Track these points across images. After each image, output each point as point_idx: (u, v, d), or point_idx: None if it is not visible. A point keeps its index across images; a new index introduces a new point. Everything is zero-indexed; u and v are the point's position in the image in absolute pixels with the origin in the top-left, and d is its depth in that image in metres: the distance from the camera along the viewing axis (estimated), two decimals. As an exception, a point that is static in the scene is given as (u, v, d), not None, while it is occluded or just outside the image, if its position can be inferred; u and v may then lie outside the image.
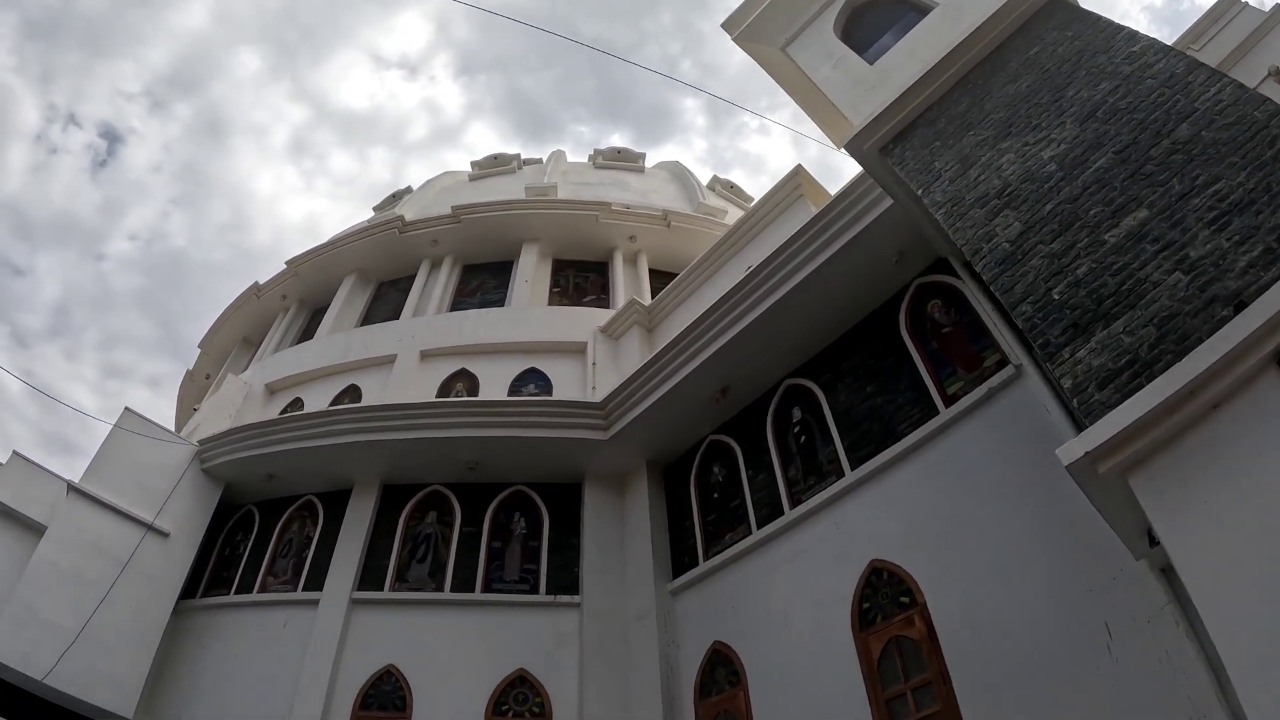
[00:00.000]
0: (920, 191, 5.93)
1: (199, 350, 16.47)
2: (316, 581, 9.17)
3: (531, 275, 12.86)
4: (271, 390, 12.53)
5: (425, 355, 11.52)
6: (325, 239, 15.88)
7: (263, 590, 9.50)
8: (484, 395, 10.69)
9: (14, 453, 10.83)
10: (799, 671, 6.56)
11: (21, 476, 10.61)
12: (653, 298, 12.32)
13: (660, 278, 13.49)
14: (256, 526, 10.31)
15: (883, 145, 6.52)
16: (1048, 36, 6.07)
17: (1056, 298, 4.70)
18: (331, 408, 10.12)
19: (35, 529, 10.14)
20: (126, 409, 10.99)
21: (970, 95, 6.25)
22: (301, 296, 15.01)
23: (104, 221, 51.54)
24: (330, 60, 56.97)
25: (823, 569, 6.82)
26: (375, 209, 18.44)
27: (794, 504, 7.43)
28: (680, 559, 8.43)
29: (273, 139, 55.42)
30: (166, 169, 52.31)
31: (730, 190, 18.55)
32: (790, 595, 6.97)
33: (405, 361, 11.42)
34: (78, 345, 50.65)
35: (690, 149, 65.16)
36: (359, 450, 9.46)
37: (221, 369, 15.63)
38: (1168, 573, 4.61)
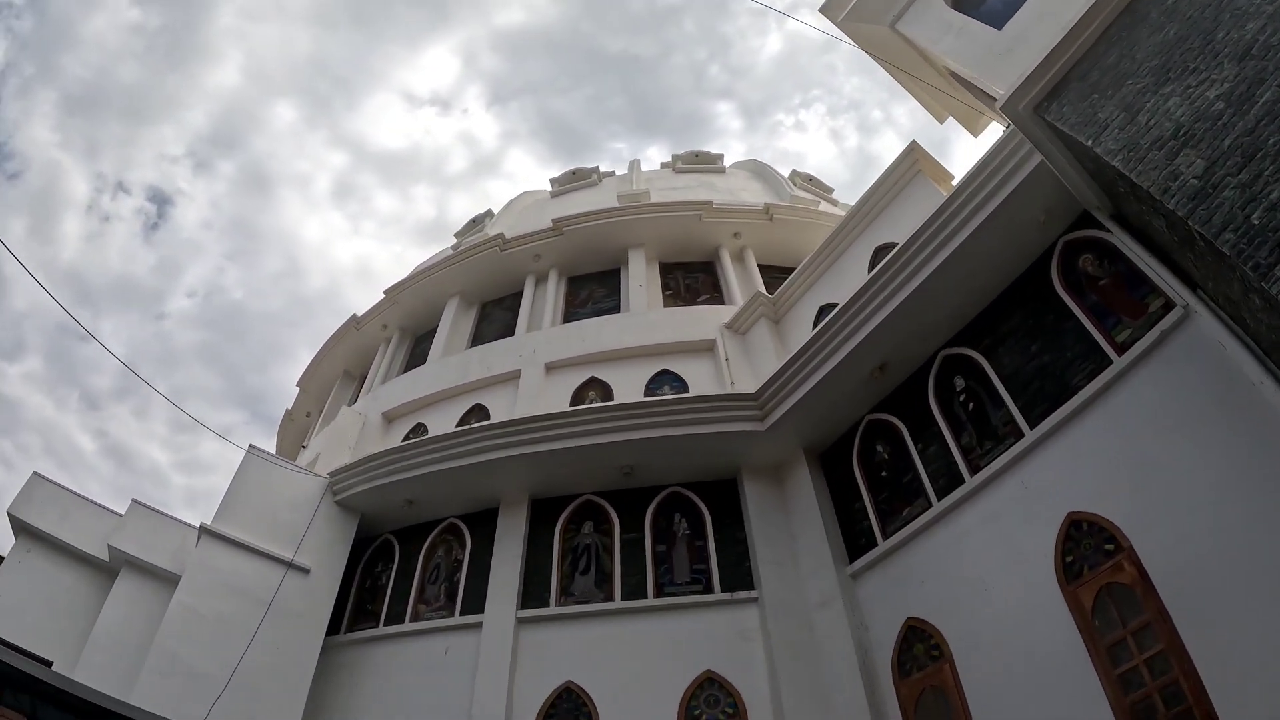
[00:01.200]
0: (1090, 142, 6.60)
1: (297, 389, 17.78)
2: (475, 604, 9.89)
3: (644, 280, 13.77)
4: (389, 419, 13.57)
5: (550, 367, 12.45)
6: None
7: (415, 619, 10.21)
8: (621, 400, 11.45)
9: (133, 501, 11.73)
10: (1007, 635, 7.06)
11: (143, 525, 11.45)
12: (767, 290, 13.13)
13: (767, 271, 14.34)
14: (397, 555, 11.10)
15: (1037, 104, 7.22)
16: None
17: (1256, 223, 5.32)
18: (476, 424, 10.89)
19: (163, 577, 10.77)
20: (251, 447, 11.94)
21: (1117, 47, 6.91)
22: (402, 325, 16.17)
23: (161, 281, 56.34)
24: (364, 104, 61.70)
25: (1016, 530, 7.38)
26: (457, 235, 19.63)
27: (974, 470, 8.02)
28: (855, 541, 9.05)
29: (316, 186, 60.67)
30: (217, 225, 57.81)
31: (809, 183, 19.35)
32: (985, 561, 7.52)
33: (531, 376, 12.35)
34: (146, 403, 55.00)
35: (730, 153, 67.25)
36: (507, 466, 10.23)
37: (325, 404, 16.82)
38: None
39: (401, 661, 9.84)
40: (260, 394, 61.06)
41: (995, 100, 7.86)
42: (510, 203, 19.72)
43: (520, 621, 9.40)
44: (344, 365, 17.08)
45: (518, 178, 72.07)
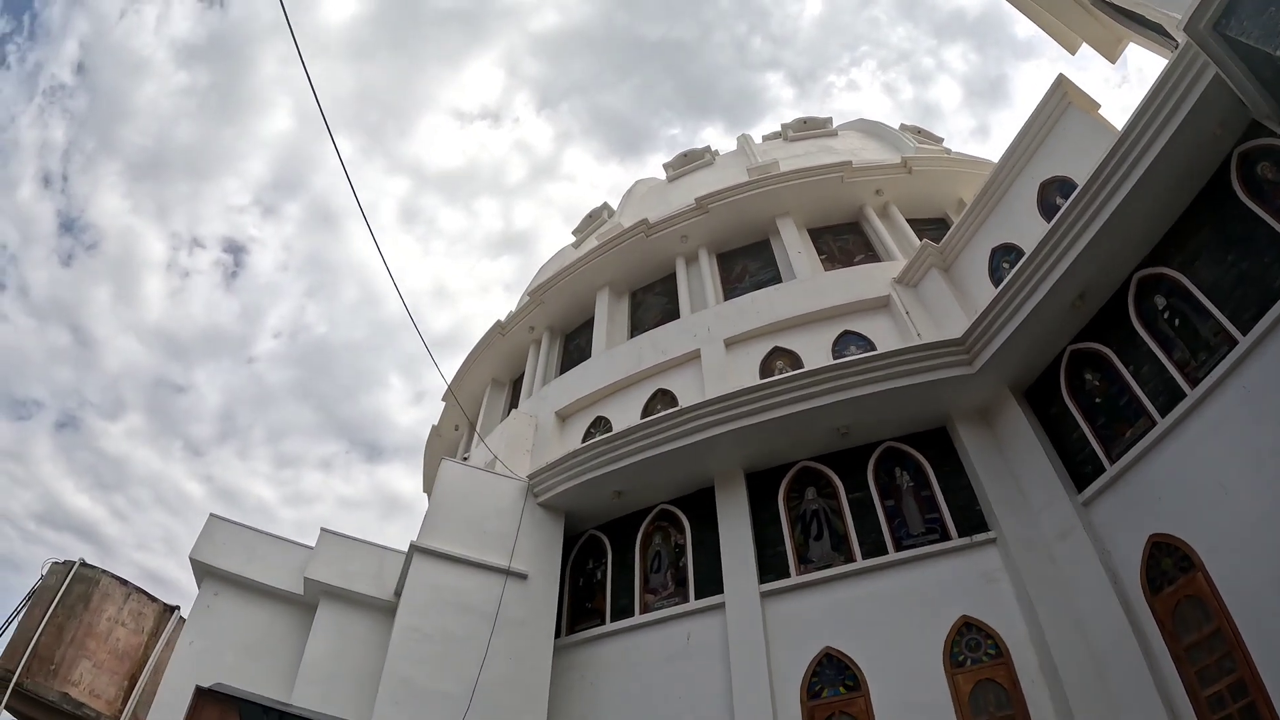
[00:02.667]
0: (1278, 52, 7.91)
1: (443, 404, 19.74)
2: (709, 587, 11.09)
3: (800, 247, 15.25)
4: (563, 417, 15.22)
5: (730, 343, 13.94)
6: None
7: (646, 610, 11.39)
8: (810, 366, 12.70)
9: (323, 531, 12.73)
10: (1256, 534, 8.05)
11: (336, 553, 12.43)
12: (920, 240, 14.52)
13: (913, 224, 15.71)
14: (609, 549, 12.40)
15: (1216, 20, 8.47)
16: None
17: None
18: (689, 406, 12.02)
19: (366, 604, 11.86)
20: (446, 460, 13.30)
21: None
22: (550, 324, 18.02)
23: (246, 327, 62.63)
24: (415, 128, 68.64)
25: (1248, 431, 8.42)
26: (575, 233, 21.41)
27: (1193, 383, 9.17)
28: (1080, 470, 10.25)
29: (381, 215, 67.37)
30: (292, 266, 66.19)
31: (919, 134, 20.58)
32: (1221, 467, 8.60)
33: (712, 353, 13.85)
34: (247, 444, 60.59)
35: (781, 119, 68.37)
36: (724, 442, 11.48)
37: (479, 414, 18.66)
38: None
39: (638, 655, 10.93)
40: (355, 423, 66.10)
41: (1149, 24, 9.18)
42: (629, 192, 21.47)
43: (764, 596, 10.58)
44: (491, 373, 18.98)
45: (578, 178, 77.02)
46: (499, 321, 18.81)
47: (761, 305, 14.43)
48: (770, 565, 11.01)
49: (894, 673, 9.48)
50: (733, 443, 11.59)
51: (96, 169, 55.53)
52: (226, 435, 62.29)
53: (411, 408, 70.18)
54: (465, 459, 17.44)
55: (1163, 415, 9.51)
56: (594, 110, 73.71)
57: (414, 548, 11.36)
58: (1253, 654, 7.82)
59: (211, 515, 12.68)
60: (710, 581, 11.15)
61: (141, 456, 56.58)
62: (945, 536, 10.58)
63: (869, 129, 20.50)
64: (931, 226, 15.56)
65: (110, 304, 54.86)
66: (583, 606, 12.01)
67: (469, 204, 72.30)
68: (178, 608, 13.43)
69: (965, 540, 10.42)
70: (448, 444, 20.08)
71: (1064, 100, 12.08)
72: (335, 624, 11.72)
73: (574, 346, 17.54)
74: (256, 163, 61.17)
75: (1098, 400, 10.47)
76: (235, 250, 67.03)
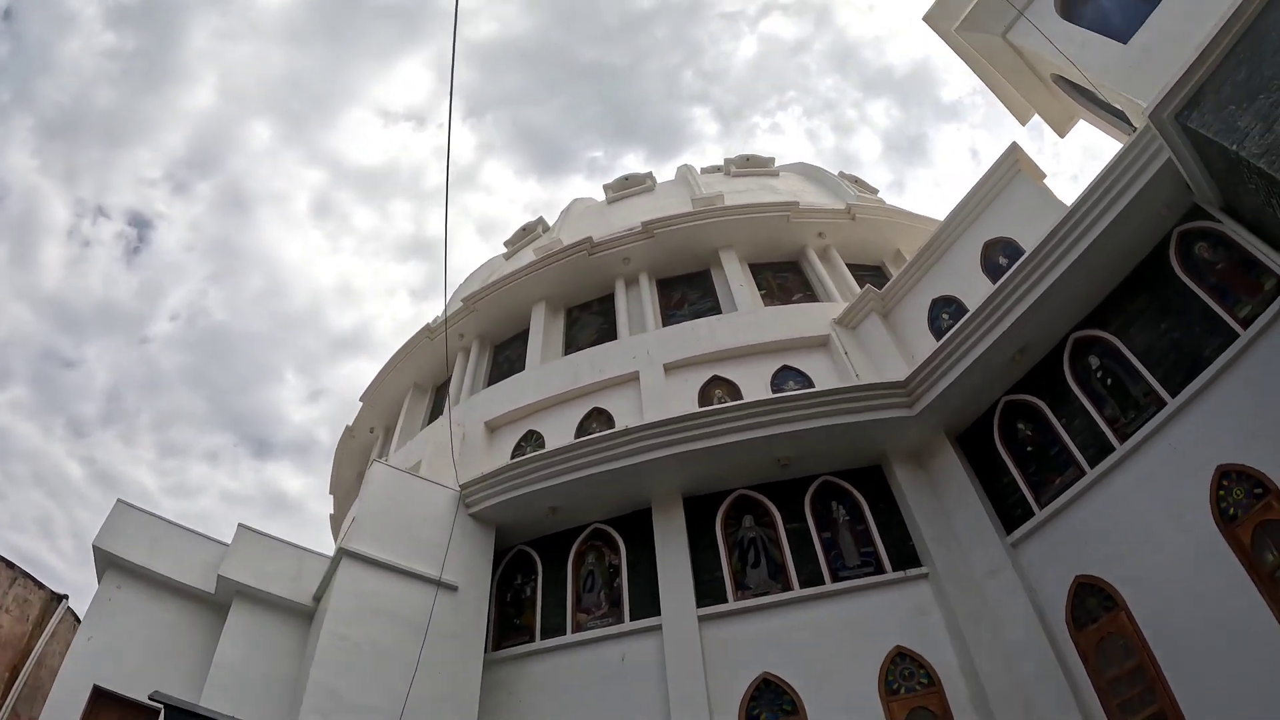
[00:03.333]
0: (1235, 147, 8.67)
1: (360, 403, 19.31)
2: (645, 609, 11.16)
3: (742, 280, 15.69)
4: (492, 428, 15.12)
5: (670, 368, 14.20)
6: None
7: (579, 629, 11.36)
8: (747, 398, 13.17)
9: (240, 526, 12.08)
10: (1176, 577, 8.88)
11: (254, 552, 11.79)
12: (857, 286, 15.16)
13: (852, 269, 16.41)
14: (540, 565, 12.28)
15: (1178, 111, 9.28)
16: None
17: None
18: (634, 426, 12.19)
19: (284, 607, 11.31)
20: (377, 462, 13.01)
21: (1246, 65, 8.94)
22: (481, 333, 17.90)
23: (144, 305, 61.12)
24: (339, 121, 66.94)
25: (1171, 485, 9.26)
26: (507, 244, 21.40)
27: (1122, 438, 9.97)
28: (1010, 513, 10.94)
29: (294, 205, 65.78)
30: (197, 247, 62.52)
31: (856, 184, 21.54)
32: (1145, 516, 9.39)
33: (651, 377, 14.08)
34: (133, 428, 58.35)
35: (705, 157, 74.27)
36: (665, 465, 11.63)
37: (399, 419, 18.31)
38: None
39: (570, 675, 10.88)
40: (246, 416, 64.88)
41: (1105, 106, 10.00)
42: (566, 210, 21.65)
43: (702, 619, 10.73)
44: (414, 378, 18.68)
45: (496, 190, 77.25)
46: (427, 326, 18.60)
47: (702, 333, 14.79)
48: (707, 590, 11.19)
49: (831, 699, 9.78)
50: (673, 467, 11.75)
51: (9, 121, 52.50)
52: (112, 417, 59.59)
53: (305, 406, 68.05)
54: (382, 461, 17.17)
55: (1092, 466, 10.28)
56: (519, 125, 74.09)
57: (342, 551, 11.04)
58: (1172, 687, 8.55)
59: (119, 501, 11.96)
60: (646, 603, 11.26)
61: (22, 431, 53.32)
62: (880, 570, 11.07)
63: (809, 173, 21.34)
64: (869, 273, 16.32)
65: (4, 266, 51.78)
66: (511, 623, 11.91)
67: (384, 204, 71.05)
68: (66, 596, 12.56)
69: (899, 574, 10.94)
70: (362, 446, 19.65)
71: (1014, 167, 13.01)
72: (249, 627, 11.18)
73: (504, 358, 17.48)
74: (174, 136, 58.93)
75: (1029, 449, 11.19)
76: (141, 224, 64.66)
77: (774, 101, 76.06)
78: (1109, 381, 10.59)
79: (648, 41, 68.80)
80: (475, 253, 76.86)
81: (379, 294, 71.35)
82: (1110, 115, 11.94)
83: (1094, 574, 9.78)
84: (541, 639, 11.46)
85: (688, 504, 12.05)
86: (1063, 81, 12.30)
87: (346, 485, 20.24)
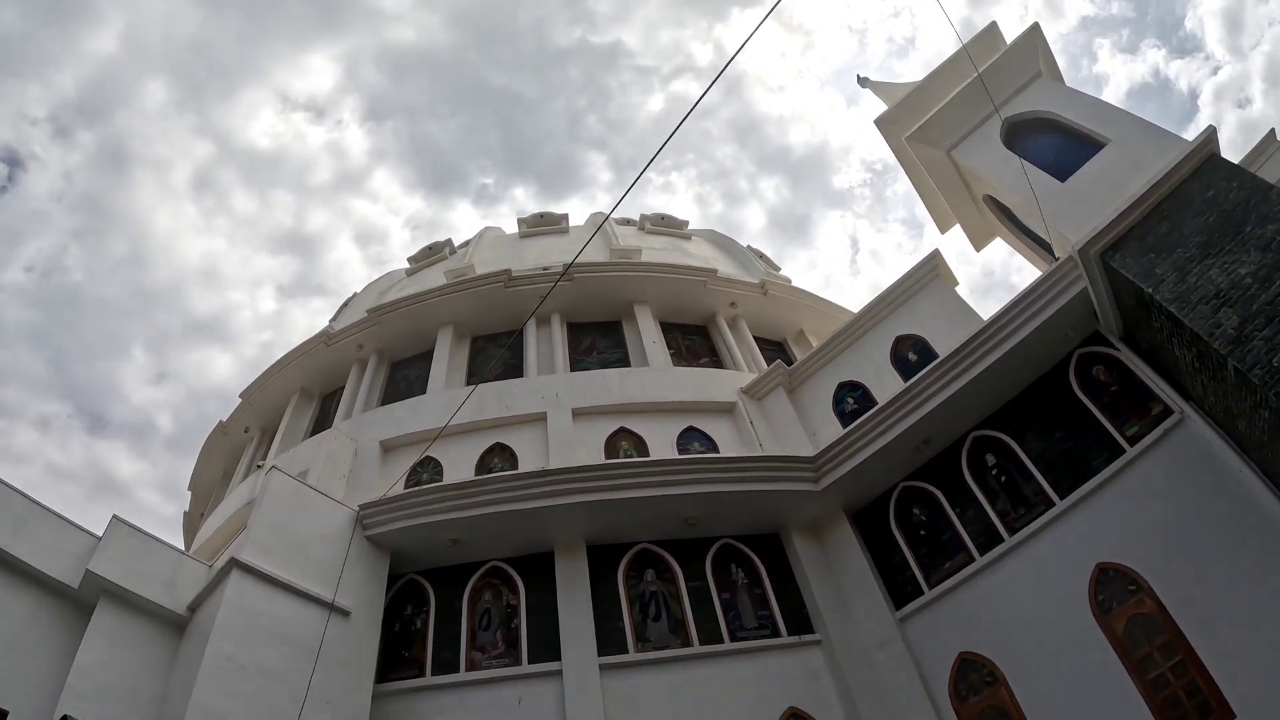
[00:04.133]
0: (1151, 290, 9.88)
1: (239, 399, 18.64)
2: (544, 652, 11.15)
3: (655, 337, 16.20)
4: (388, 448, 14.81)
5: (578, 414, 14.44)
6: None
7: (473, 668, 11.16)
8: (654, 454, 13.63)
9: (114, 518, 11.16)
10: (1054, 658, 9.92)
11: (129, 548, 10.85)
12: (767, 361, 15.98)
13: (757, 342, 17.27)
14: (433, 598, 11.99)
15: (1103, 251, 10.54)
16: (1217, 184, 10.34)
17: (1276, 365, 8.76)
18: (547, 469, 12.43)
19: (155, 614, 10.48)
20: (275, 468, 12.24)
21: (1168, 221, 10.38)
22: (381, 347, 17.63)
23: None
24: (238, 97, 63.57)
25: (1054, 577, 10.38)
26: (411, 260, 21.16)
27: (1011, 531, 11.04)
28: (899, 589, 11.78)
29: (175, 174, 61.36)
30: (67, 199, 58.50)
31: (762, 259, 22.76)
32: (1028, 602, 10.46)
33: (558, 420, 14.28)
34: None
35: (594, 203, 75.66)
36: (573, 512, 11.78)
37: (282, 422, 17.71)
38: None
39: (463, 713, 10.65)
40: (86, 387, 60.35)
41: (1028, 232, 11.22)
42: (479, 237, 21.69)
43: (603, 668, 10.84)
44: (302, 382, 18.12)
45: (381, 199, 75.90)
46: (326, 331, 18.13)
47: (613, 384, 15.15)
48: (608, 639, 11.30)
49: None
50: (580, 514, 11.93)
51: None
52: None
53: (149, 386, 63.78)
54: (259, 467, 16.59)
55: (981, 554, 11.31)
56: (416, 137, 72.92)
57: (233, 562, 10.36)
58: (1048, 758, 9.56)
59: None
60: (545, 646, 11.25)
61: None
62: (776, 633, 11.63)
63: (719, 241, 22.43)
64: (772, 347, 17.30)
65: None
66: (399, 654, 11.46)
67: (265, 191, 67.43)
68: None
69: (794, 639, 11.54)
70: (234, 445, 18.83)
71: (934, 271, 14.25)
72: (115, 631, 10.24)
73: (401, 377, 17.22)
74: (67, 77, 54.84)
75: (922, 532, 12.14)
76: (13, 163, 59.52)
77: (670, 161, 78.70)
78: (1003, 479, 11.68)
79: (560, 78, 70.14)
80: (350, 258, 74.66)
81: (244, 283, 68.14)
82: (1030, 240, 13.31)
83: (977, 651, 10.72)
84: (433, 674, 11.16)
85: (590, 552, 12.20)
86: (991, 202, 13.63)
87: (208, 484, 19.32)
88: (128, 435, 64.55)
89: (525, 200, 78.54)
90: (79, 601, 10.41)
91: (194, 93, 60.04)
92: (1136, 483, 10.35)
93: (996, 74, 13.08)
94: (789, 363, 16.12)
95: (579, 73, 71.02)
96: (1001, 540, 11.14)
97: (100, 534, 11.01)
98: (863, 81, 16.67)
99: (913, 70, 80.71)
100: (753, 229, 78.01)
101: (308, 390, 18.38)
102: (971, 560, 11.30)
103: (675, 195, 75.26)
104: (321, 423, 17.45)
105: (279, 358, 18.69)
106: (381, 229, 75.36)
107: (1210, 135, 10.59)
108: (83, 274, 58.97)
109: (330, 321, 19.86)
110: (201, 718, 8.67)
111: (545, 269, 17.58)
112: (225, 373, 65.80)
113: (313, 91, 70.34)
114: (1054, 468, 11.19)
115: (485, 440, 14.48)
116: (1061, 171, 11.93)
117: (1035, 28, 13.17)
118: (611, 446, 14.12)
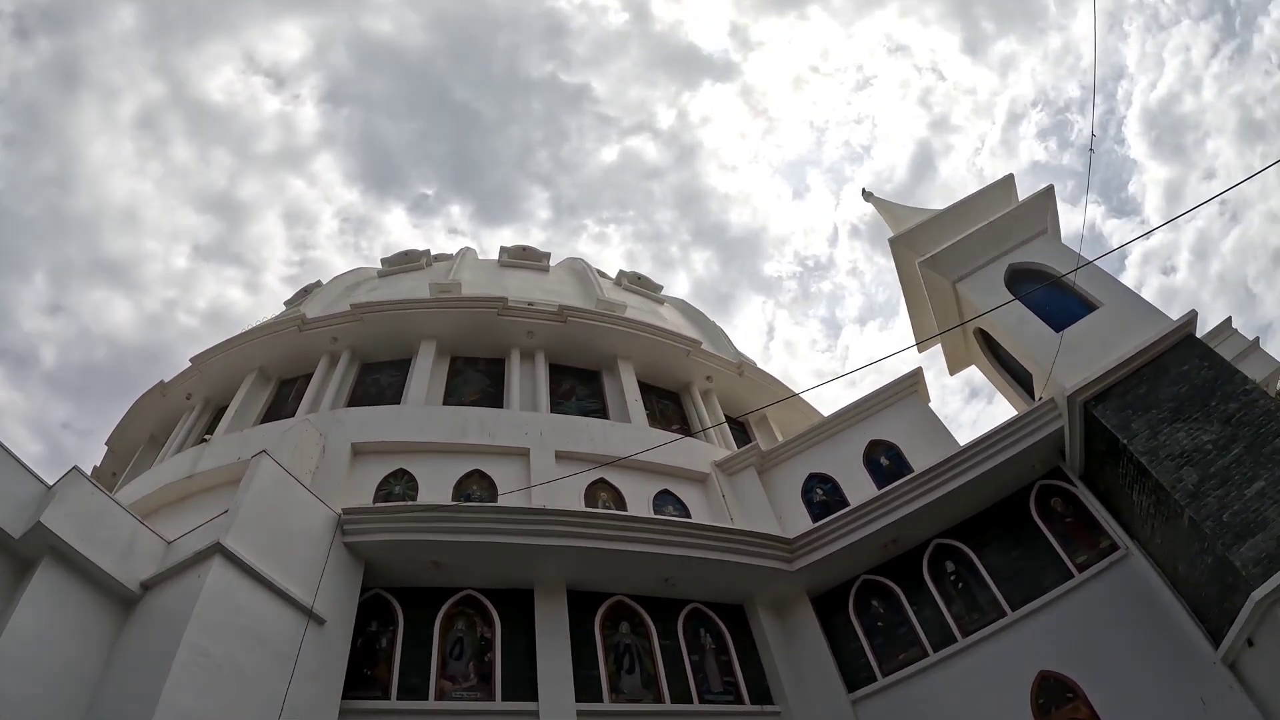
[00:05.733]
0: (1125, 441, 12.23)
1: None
2: (518, 690, 11.87)
3: (636, 395, 17.83)
4: (358, 451, 15.54)
5: (560, 456, 15.71)
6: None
7: (441, 697, 11.63)
8: (631, 510, 15.01)
9: (74, 469, 10.83)
10: None
11: (85, 506, 10.45)
12: (738, 444, 17.90)
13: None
14: (401, 617, 12.42)
15: (1087, 399, 12.86)
16: (1191, 361, 12.84)
17: (1226, 519, 11.09)
18: (548, 509, 13.42)
19: (101, 584, 10.19)
20: (265, 454, 12.21)
21: (1146, 384, 12.74)
22: (356, 345, 18.63)
23: None
24: (204, 46, 66.05)
25: (1000, 679, 12.23)
26: (384, 262, 22.56)
27: (965, 634, 12.91)
28: (854, 675, 13.37)
29: (122, 106, 64.14)
30: (9, 102, 58.71)
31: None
32: (974, 701, 12.24)
33: (541, 459, 15.50)
34: None
35: (528, 237, 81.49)
36: (562, 554, 12.79)
37: (231, 398, 18.37)
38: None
39: None
40: None
41: (1007, 366, 13.66)
42: (461, 255, 23.14)
43: (579, 715, 11.68)
44: (262, 361, 19.20)
45: (318, 183, 78.65)
46: (302, 314, 18.94)
47: (596, 433, 16.56)
48: (584, 686, 12.23)
49: None
50: (568, 558, 12.97)
51: None
52: None
53: (41, 316, 63.00)
54: (206, 440, 17.11)
55: (934, 650, 13.13)
56: (368, 130, 76.32)
57: (219, 548, 10.26)
58: None
59: None
60: (519, 684, 11.99)
61: None
62: (740, 700, 13.04)
63: (688, 311, 24.52)
64: (735, 427, 19.15)
65: None
66: (360, 671, 11.60)
67: (206, 148, 69.58)
68: None
69: (756, 708, 12.97)
70: (171, 409, 19.32)
71: (913, 387, 16.48)
72: (56, 596, 9.80)
73: (372, 380, 18.12)
74: None
75: (879, 623, 13.97)
76: None
77: (609, 214, 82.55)
78: (960, 585, 13.69)
79: (521, 108, 74.84)
80: (274, 234, 76.65)
81: (163, 234, 69.25)
82: (1008, 376, 15.82)
83: None
84: (399, 699, 11.49)
85: (571, 597, 13.17)
86: (980, 335, 16.12)
87: (132, 443, 19.68)
88: (7, 361, 63.09)
89: (460, 219, 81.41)
90: (16, 555, 9.95)
91: (162, 29, 62.17)
92: (1080, 604, 12.46)
93: (1009, 223, 15.63)
94: (748, 443, 18.05)
95: (542, 106, 76.17)
96: (955, 640, 12.97)
97: (51, 482, 10.65)
98: (866, 196, 19.19)
99: (864, 177, 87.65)
100: (675, 294, 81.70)
101: (266, 371, 19.05)
102: (925, 655, 13.05)
103: (608, 246, 78.63)
104: (276, 409, 18.14)
105: (243, 330, 19.42)
106: (312, 213, 77.88)
107: (1191, 318, 13.06)
108: (3, 182, 58.87)
109: (288, 305, 20.72)
110: (171, 717, 8.44)
111: (530, 304, 19.05)
112: (121, 320, 66.89)
113: (279, 59, 73.51)
114: (1008, 581, 13.21)
115: (463, 464, 15.51)
116: (1055, 321, 14.38)
117: (1049, 190, 15.78)
118: (591, 496, 15.39)
